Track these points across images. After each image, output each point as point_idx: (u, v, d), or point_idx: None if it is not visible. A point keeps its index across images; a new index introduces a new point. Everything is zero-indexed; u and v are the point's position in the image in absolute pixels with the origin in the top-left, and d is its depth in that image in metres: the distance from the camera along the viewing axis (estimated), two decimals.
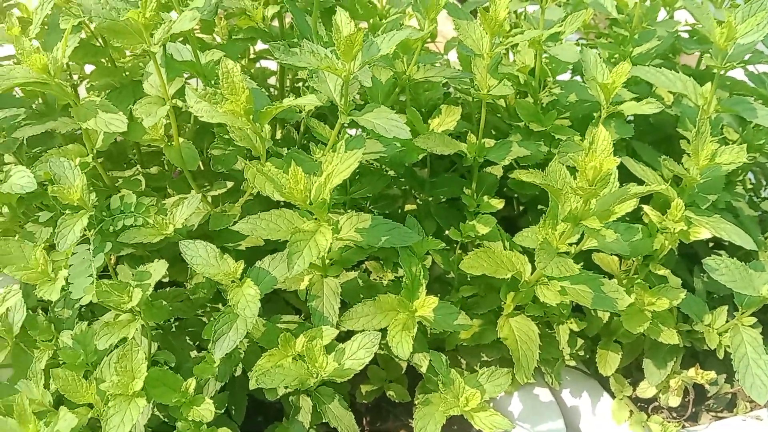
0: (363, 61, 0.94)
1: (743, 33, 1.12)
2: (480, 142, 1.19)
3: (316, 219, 0.97)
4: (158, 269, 1.03)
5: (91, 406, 0.99)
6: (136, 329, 1.01)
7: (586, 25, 1.66)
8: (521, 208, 1.62)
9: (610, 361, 1.30)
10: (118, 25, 0.90)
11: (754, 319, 1.18)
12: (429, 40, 1.69)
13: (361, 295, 1.21)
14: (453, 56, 1.83)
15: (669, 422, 1.34)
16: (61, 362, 1.06)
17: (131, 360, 0.97)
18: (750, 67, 1.49)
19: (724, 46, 1.14)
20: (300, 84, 1.51)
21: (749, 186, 1.58)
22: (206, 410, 1.00)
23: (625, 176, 1.21)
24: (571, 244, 1.10)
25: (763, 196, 1.66)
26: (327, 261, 1.14)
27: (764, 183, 1.66)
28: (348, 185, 1.24)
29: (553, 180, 0.99)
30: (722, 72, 1.42)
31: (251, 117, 0.91)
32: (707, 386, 1.43)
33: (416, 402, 1.26)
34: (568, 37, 1.28)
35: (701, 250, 1.55)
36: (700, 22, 1.14)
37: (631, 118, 1.47)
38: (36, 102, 1.28)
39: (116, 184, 1.22)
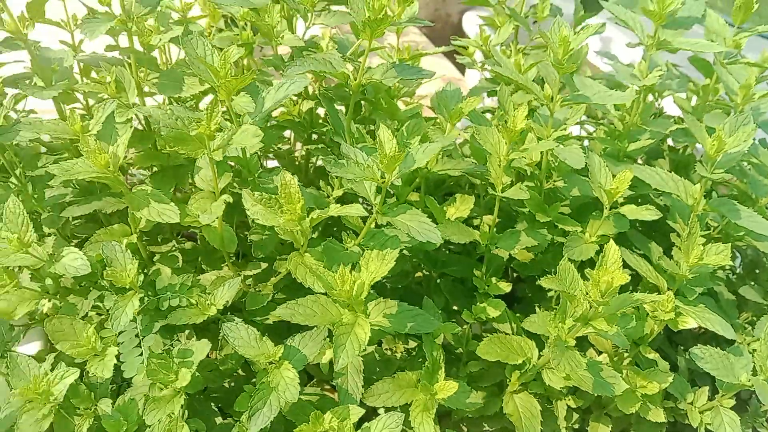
0: (400, 171, 1.05)
1: (731, 146, 1.26)
2: (492, 232, 1.30)
3: (352, 310, 1.07)
4: (201, 348, 1.12)
5: None
6: (182, 405, 1.09)
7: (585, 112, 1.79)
8: (516, 276, 1.74)
9: None
10: (184, 135, 0.99)
11: (733, 402, 1.31)
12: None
13: (377, 369, 1.31)
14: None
15: None
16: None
17: None
18: None
19: (714, 156, 1.27)
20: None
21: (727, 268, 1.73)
22: None
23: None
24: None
25: (738, 272, 1.81)
26: None
27: (739, 260, 1.81)
28: None
29: (564, 279, 1.10)
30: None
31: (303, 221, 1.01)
32: None
33: None
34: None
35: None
36: (693, 132, 1.28)
37: None
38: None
39: (154, 259, 1.30)
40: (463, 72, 3.04)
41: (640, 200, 1.59)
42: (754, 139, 1.43)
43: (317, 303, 1.13)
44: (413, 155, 1.06)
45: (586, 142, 1.66)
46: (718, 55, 1.61)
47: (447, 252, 1.51)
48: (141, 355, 1.09)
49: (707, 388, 1.37)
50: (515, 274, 1.75)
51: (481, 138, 1.23)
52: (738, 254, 1.82)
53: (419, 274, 1.59)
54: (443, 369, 1.17)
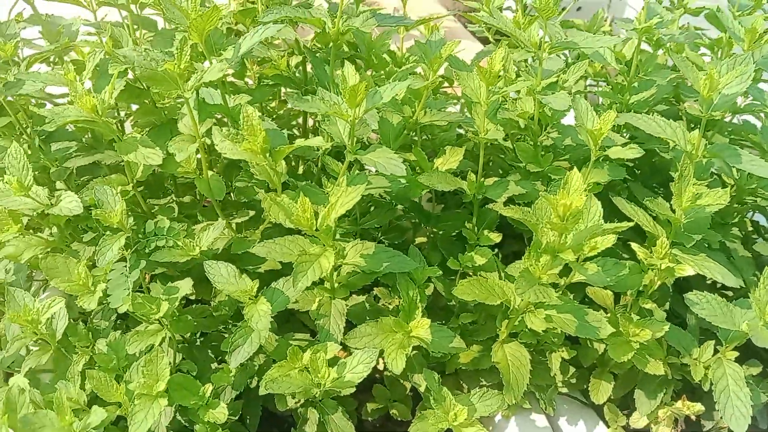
0: (367, 107, 1.07)
1: (725, 84, 1.21)
2: (479, 180, 1.30)
3: (323, 245, 1.09)
4: (184, 286, 1.17)
5: (119, 405, 1.12)
6: (163, 338, 1.14)
7: (597, 72, 1.76)
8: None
9: (602, 390, 1.37)
10: (157, 74, 1.04)
11: (736, 353, 1.24)
12: (447, 84, 1.83)
13: (367, 318, 1.32)
14: None
15: None
16: (96, 366, 1.20)
17: (156, 365, 1.09)
18: None
19: (708, 96, 1.22)
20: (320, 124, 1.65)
21: (750, 228, 1.64)
22: (220, 413, 1.11)
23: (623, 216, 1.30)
24: (561, 277, 1.20)
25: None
26: (336, 284, 1.25)
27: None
28: (359, 217, 1.36)
29: (538, 216, 1.09)
30: (721, 118, 1.53)
31: (267, 155, 1.05)
32: (703, 421, 1.48)
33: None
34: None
35: (702, 289, 1.61)
36: (685, 74, 1.23)
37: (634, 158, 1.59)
38: (85, 136, 1.45)
39: (153, 211, 1.36)
40: None
41: (649, 156, 1.55)
42: None
43: (294, 243, 1.16)
44: (381, 92, 1.07)
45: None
46: (731, 8, 1.56)
47: (448, 209, 1.51)
48: (127, 289, 1.14)
49: (713, 342, 1.30)
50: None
51: (461, 82, 1.23)
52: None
53: (424, 239, 1.59)
54: (420, 309, 1.17)
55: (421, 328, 1.12)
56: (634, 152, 1.23)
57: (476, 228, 1.36)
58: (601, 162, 1.31)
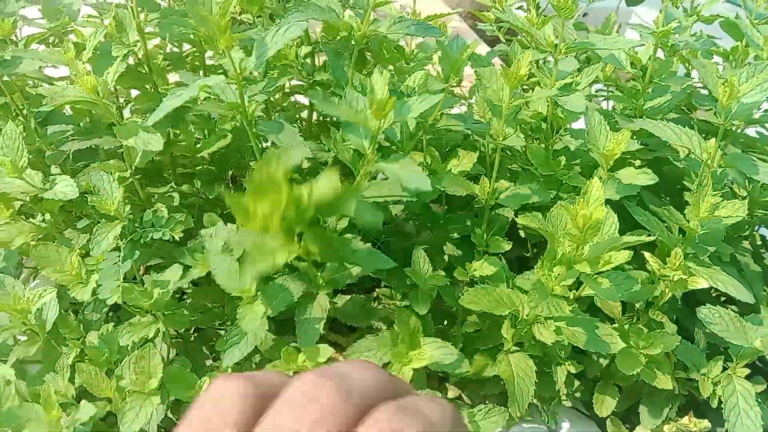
0: (394, 119, 1.00)
1: (745, 92, 1.17)
2: (492, 186, 1.25)
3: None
4: (174, 273, 1.12)
5: (110, 401, 1.07)
6: (157, 330, 1.09)
7: (607, 77, 1.73)
8: (535, 250, 1.67)
9: (606, 403, 1.33)
10: None
11: (747, 371, 1.21)
12: (454, 84, 1.79)
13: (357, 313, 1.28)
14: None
15: None
16: (86, 359, 1.15)
17: (149, 361, 1.04)
18: None
19: (727, 104, 1.18)
20: (327, 119, 1.60)
21: (759, 242, 1.61)
22: None
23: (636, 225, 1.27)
24: (570, 290, 1.16)
25: None
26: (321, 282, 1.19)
27: None
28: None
29: (553, 225, 1.04)
30: (734, 129, 1.50)
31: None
32: None
33: None
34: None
35: (711, 303, 1.58)
36: (704, 81, 1.20)
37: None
38: (83, 121, 1.40)
39: (152, 200, 1.32)
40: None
41: (658, 163, 1.52)
42: None
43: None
44: (409, 105, 1.02)
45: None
46: (749, 16, 1.53)
47: (453, 211, 1.46)
48: (117, 279, 1.10)
49: (722, 358, 1.27)
50: (535, 249, 1.68)
51: (483, 80, 1.18)
52: None
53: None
54: (421, 337, 1.12)
55: (420, 360, 1.08)
56: (647, 178, 1.18)
57: (485, 234, 1.31)
58: (613, 177, 1.27)
